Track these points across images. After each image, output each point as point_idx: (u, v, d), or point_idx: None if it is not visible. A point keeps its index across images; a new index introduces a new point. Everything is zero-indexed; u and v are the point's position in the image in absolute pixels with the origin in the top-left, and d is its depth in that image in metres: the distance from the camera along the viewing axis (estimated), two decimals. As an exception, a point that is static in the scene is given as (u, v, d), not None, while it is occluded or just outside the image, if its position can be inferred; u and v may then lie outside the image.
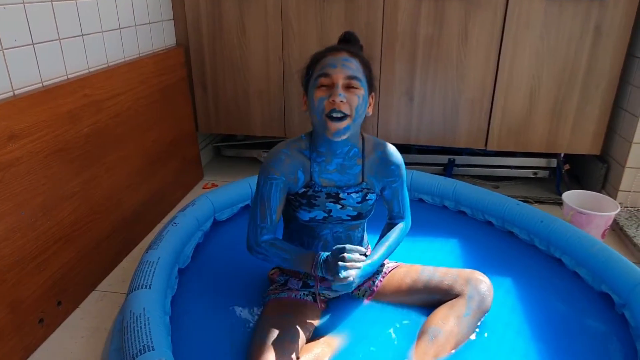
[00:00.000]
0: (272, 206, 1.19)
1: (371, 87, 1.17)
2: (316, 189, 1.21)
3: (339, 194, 1.21)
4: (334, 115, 1.09)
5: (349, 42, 1.20)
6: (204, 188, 2.32)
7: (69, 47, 1.50)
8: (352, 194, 1.22)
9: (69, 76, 1.50)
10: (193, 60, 2.25)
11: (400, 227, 1.33)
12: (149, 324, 1.10)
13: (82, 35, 1.56)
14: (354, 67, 1.12)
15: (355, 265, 1.09)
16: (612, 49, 1.94)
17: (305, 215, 1.22)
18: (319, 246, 1.28)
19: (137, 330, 1.08)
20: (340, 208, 1.22)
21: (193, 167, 2.34)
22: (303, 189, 1.21)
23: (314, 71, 1.14)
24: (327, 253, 1.14)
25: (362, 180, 1.24)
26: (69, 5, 1.49)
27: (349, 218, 1.24)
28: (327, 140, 1.17)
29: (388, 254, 1.28)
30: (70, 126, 1.45)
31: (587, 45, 1.96)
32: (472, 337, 1.20)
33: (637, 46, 1.95)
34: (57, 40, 1.45)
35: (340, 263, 1.08)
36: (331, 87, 1.10)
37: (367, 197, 1.24)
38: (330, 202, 1.21)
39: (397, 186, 1.30)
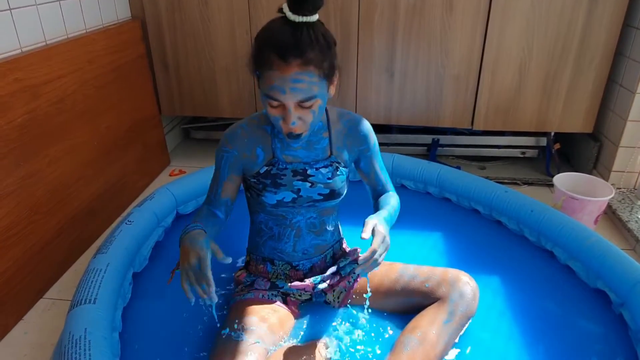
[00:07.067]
0: (219, 179, 1.12)
1: (332, 74, 0.99)
2: (280, 166, 1.09)
3: (306, 170, 1.10)
4: (289, 136, 1.01)
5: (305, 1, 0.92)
6: (170, 175, 2.15)
7: (-6, 23, 1.30)
8: (320, 169, 1.11)
9: (-5, 58, 1.30)
10: (151, 35, 2.04)
11: (393, 194, 1.20)
12: (89, 349, 0.96)
13: (10, 9, 1.35)
14: (306, 86, 0.93)
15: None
16: (608, 19, 1.79)
17: (271, 198, 1.09)
18: (292, 235, 1.16)
19: (76, 357, 0.94)
20: (310, 186, 1.10)
21: (158, 153, 2.16)
22: (265, 168, 1.09)
23: (261, 77, 0.96)
24: (208, 247, 0.92)
25: (331, 154, 1.13)
26: (-9, -26, 1.28)
27: (321, 197, 1.11)
28: None
29: (394, 216, 1.13)
30: (-1, 116, 1.26)
31: (582, 14, 1.80)
32: (456, 345, 1.09)
33: (635, 16, 1.79)
34: (-23, 15, 1.25)
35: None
36: (283, 107, 0.96)
37: (337, 172, 1.12)
38: (298, 180, 1.09)
39: (371, 154, 1.18)
